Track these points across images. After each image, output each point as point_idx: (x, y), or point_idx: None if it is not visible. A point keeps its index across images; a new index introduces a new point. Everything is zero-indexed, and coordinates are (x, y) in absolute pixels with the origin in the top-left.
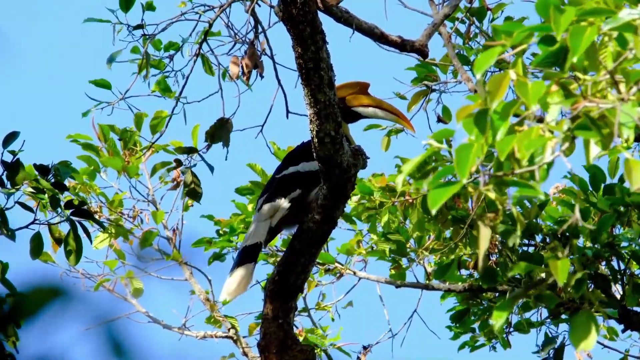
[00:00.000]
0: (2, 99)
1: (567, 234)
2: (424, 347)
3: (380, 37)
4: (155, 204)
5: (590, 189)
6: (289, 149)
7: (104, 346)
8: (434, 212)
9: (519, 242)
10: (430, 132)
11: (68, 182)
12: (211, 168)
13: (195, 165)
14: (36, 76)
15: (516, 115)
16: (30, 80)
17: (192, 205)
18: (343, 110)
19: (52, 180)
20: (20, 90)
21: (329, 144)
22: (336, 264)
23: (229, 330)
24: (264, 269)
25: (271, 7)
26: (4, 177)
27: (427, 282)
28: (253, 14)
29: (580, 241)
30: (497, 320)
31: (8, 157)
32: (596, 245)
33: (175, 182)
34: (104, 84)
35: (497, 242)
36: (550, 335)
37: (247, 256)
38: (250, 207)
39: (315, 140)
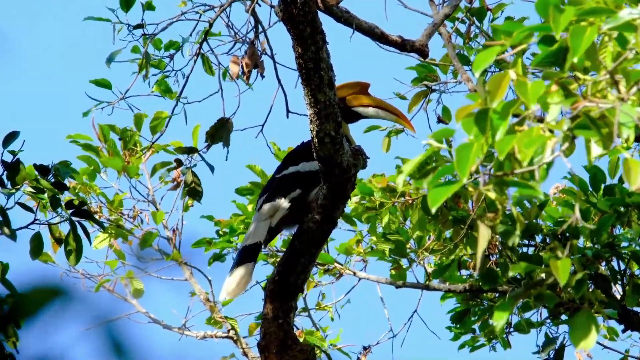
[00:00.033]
0: (2, 99)
1: (567, 234)
2: (424, 348)
3: (380, 37)
4: (155, 204)
5: (591, 189)
6: (289, 149)
7: (104, 346)
8: (433, 210)
9: (518, 242)
10: (430, 132)
11: (68, 182)
12: (211, 168)
13: (195, 165)
14: (36, 76)
15: (516, 115)
16: (30, 80)
17: (192, 206)
18: (343, 110)
19: (52, 180)
20: (20, 90)
21: (329, 144)
22: (335, 264)
23: (229, 330)
24: (264, 269)
25: (271, 7)
26: (4, 177)
27: (427, 282)
28: (253, 13)
29: (581, 241)
30: (498, 320)
31: (8, 157)
32: (596, 246)
33: (175, 182)
34: (104, 84)
35: (497, 243)
36: (550, 336)
37: (247, 256)
38: (250, 208)
39: (315, 140)
